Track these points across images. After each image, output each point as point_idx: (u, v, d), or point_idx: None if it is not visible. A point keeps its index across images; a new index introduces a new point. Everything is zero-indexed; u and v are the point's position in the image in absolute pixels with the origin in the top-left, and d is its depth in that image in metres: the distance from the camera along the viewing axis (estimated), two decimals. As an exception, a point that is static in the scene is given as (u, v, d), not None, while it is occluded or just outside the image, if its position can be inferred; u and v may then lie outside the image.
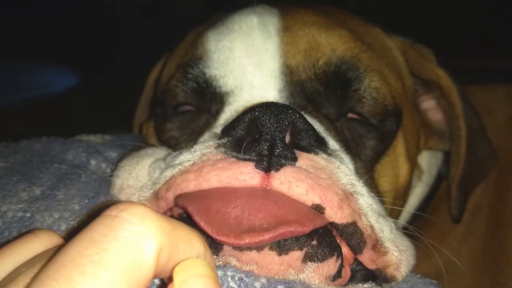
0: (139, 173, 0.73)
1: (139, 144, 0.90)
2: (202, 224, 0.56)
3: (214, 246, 0.57)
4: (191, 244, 0.40)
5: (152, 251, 0.36)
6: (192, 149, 0.69)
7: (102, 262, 0.33)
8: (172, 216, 0.64)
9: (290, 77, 0.80)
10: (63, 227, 0.65)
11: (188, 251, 0.39)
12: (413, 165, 0.95)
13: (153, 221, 0.37)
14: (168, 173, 0.66)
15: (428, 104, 1.04)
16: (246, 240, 0.54)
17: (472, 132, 0.97)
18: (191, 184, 0.61)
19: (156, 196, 0.65)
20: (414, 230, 0.78)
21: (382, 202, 0.77)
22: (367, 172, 0.79)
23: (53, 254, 0.39)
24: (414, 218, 1.05)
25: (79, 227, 0.40)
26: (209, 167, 0.62)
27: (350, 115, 0.81)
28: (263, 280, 0.55)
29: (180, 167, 0.65)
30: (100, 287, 0.33)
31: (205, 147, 0.67)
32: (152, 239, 0.36)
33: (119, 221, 0.36)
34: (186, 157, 0.67)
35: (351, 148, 0.79)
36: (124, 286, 0.33)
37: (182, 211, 0.62)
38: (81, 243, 0.35)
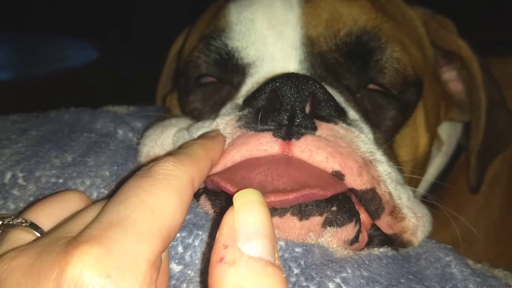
0: (164, 141, 0.75)
1: (163, 115, 0.93)
2: (228, 187, 0.58)
3: None
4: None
5: (185, 179, 0.48)
6: (214, 123, 0.71)
7: (156, 184, 0.45)
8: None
9: (311, 48, 0.81)
10: (95, 195, 0.68)
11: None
12: (433, 136, 0.96)
13: (180, 162, 0.50)
14: None
15: (449, 75, 1.04)
16: (272, 198, 0.56)
17: (492, 103, 0.97)
18: (217, 169, 0.63)
19: None
20: (433, 198, 0.80)
21: (401, 171, 0.78)
22: (387, 142, 0.80)
23: (98, 207, 0.47)
24: (433, 188, 1.06)
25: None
26: (229, 147, 0.64)
27: (370, 86, 0.82)
28: (282, 243, 0.58)
29: None
30: (160, 199, 0.44)
31: (226, 123, 0.69)
32: (183, 173, 0.49)
33: (157, 165, 0.48)
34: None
35: (371, 118, 0.79)
36: (176, 199, 0.45)
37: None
38: (136, 179, 0.46)
